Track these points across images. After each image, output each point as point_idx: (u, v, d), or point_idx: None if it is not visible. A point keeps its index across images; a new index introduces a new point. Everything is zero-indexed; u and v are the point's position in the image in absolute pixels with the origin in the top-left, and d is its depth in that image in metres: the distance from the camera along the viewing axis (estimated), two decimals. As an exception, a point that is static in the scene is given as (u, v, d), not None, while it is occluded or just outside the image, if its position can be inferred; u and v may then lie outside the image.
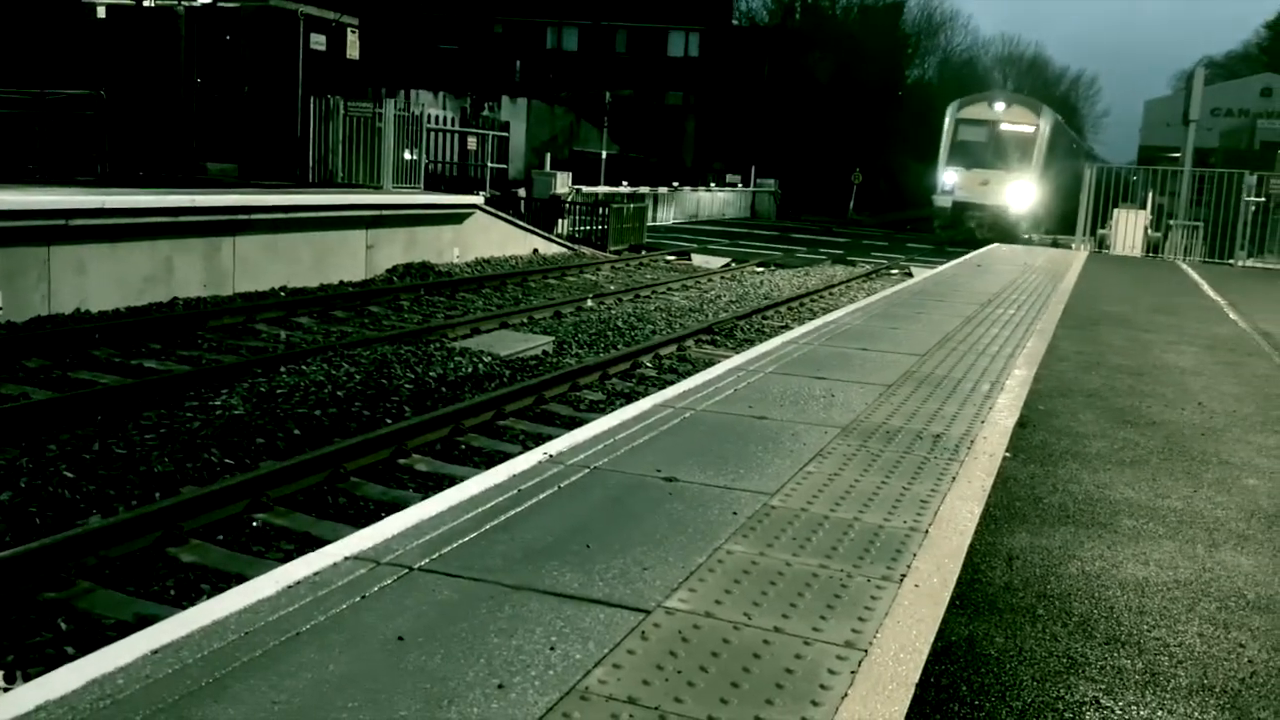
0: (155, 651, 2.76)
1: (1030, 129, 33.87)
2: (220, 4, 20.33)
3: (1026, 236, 31.85)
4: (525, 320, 14.47)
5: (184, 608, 3.47)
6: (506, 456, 7.07)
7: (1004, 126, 33.98)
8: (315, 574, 3.32)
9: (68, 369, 9.96)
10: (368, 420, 8.76)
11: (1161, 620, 3.53)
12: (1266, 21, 78.17)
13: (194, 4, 20.24)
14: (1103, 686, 3.04)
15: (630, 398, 9.71)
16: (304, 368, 10.19)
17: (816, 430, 5.58)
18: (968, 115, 34.57)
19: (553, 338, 13.17)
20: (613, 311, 15.89)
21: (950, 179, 34.06)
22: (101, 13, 20.56)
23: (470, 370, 10.80)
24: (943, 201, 34.45)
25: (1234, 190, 21.81)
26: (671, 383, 8.02)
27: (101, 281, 12.68)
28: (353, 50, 21.85)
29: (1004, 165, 33.31)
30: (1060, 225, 35.44)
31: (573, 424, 8.63)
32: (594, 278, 20.47)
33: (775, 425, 5.63)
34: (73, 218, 12.23)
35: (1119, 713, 2.90)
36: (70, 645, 4.87)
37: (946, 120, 34.92)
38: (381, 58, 35.56)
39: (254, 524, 6.54)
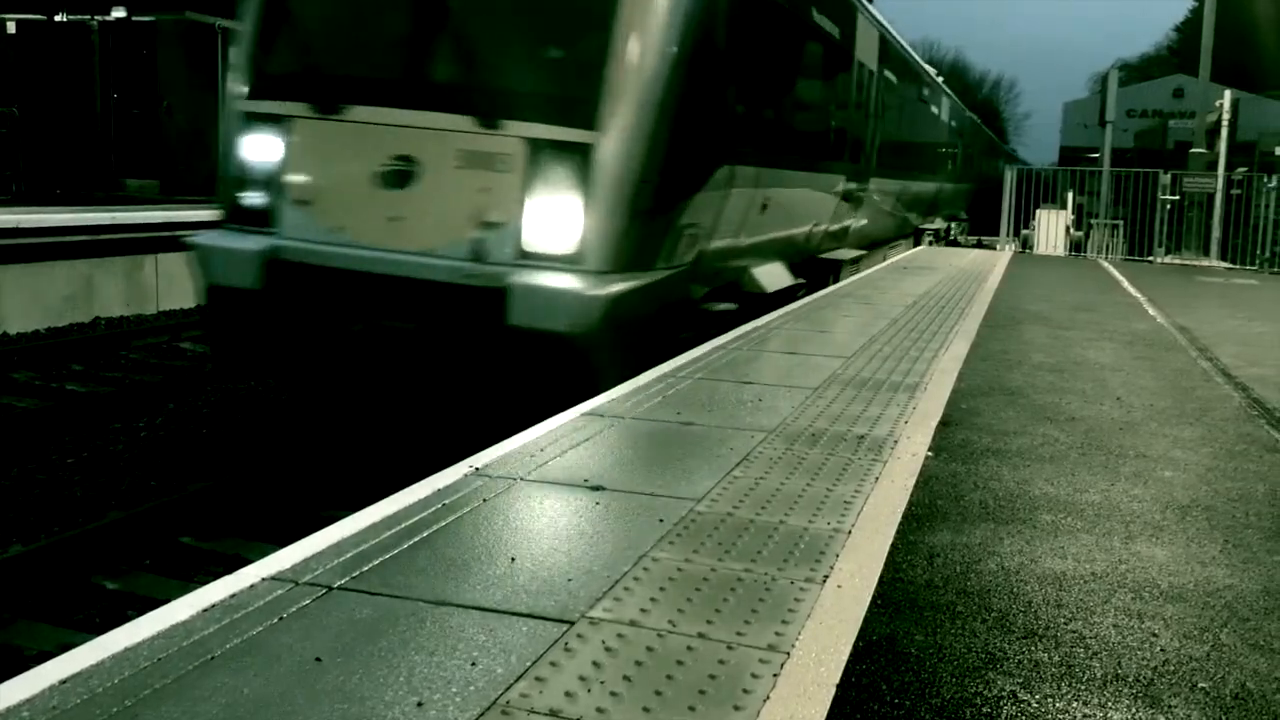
0: (64, 681, 2.70)
1: None
2: (135, 18, 19.97)
3: (962, 238, 28.49)
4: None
5: (100, 635, 3.40)
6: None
7: None
8: (231, 596, 3.26)
9: (-17, 394, 9.72)
10: (295, 437, 8.65)
11: (1078, 613, 3.60)
12: (1176, 24, 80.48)
13: (108, 19, 19.86)
14: (1020, 680, 3.09)
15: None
16: (233, 385, 10.04)
17: (743, 434, 5.61)
18: None
19: (484, 349, 13.09)
20: (545, 321, 15.84)
21: (253, 159, 7.53)
22: (12, 28, 20.12)
23: (400, 384, 10.70)
24: (230, 268, 7.36)
25: (1150, 189, 22.37)
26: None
27: (18, 303, 12.39)
28: (275, 63, 21.55)
29: (492, 110, 7.15)
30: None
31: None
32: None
33: (702, 430, 5.66)
34: (-14, 238, 11.94)
35: (1035, 705, 2.95)
36: (-15, 678, 4.74)
37: None
38: (306, 70, 35.06)
39: (182, 547, 6.42)
